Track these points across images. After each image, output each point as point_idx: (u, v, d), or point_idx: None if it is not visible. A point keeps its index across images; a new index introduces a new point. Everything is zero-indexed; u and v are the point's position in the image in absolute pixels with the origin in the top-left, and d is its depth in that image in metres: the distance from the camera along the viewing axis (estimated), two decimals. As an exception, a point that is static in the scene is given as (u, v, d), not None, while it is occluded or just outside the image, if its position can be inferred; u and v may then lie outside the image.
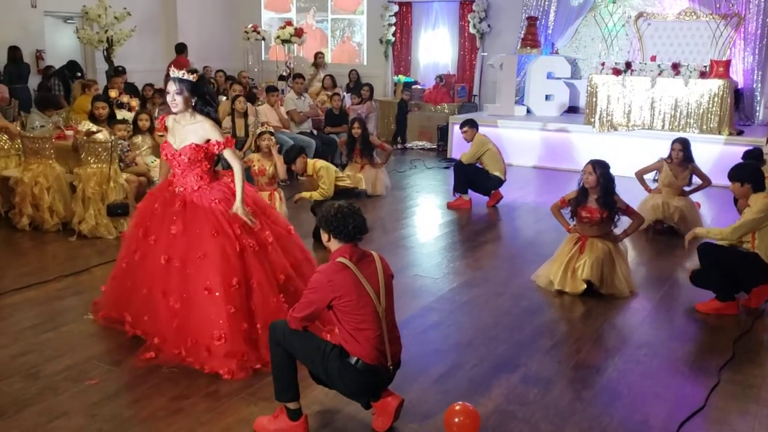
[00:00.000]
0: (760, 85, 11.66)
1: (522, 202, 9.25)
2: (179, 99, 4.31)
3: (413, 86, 14.28)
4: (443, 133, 12.82)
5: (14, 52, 11.50)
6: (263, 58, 16.05)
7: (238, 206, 4.34)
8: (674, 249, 7.16)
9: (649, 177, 8.07)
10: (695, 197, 7.90)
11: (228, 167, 4.60)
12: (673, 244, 7.23)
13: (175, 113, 4.41)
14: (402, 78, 14.58)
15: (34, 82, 11.94)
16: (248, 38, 14.54)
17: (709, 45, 11.74)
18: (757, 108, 11.76)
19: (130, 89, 10.59)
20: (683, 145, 7.50)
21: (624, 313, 5.52)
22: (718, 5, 11.72)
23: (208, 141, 4.37)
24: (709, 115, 10.43)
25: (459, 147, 11.00)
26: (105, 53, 12.72)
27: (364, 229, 3.56)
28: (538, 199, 9.61)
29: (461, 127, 8.92)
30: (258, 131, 7.52)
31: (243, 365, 4.22)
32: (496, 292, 5.87)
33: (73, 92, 11.04)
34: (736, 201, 6.26)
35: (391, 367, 3.59)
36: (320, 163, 7.37)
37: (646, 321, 5.35)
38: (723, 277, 5.40)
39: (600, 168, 5.75)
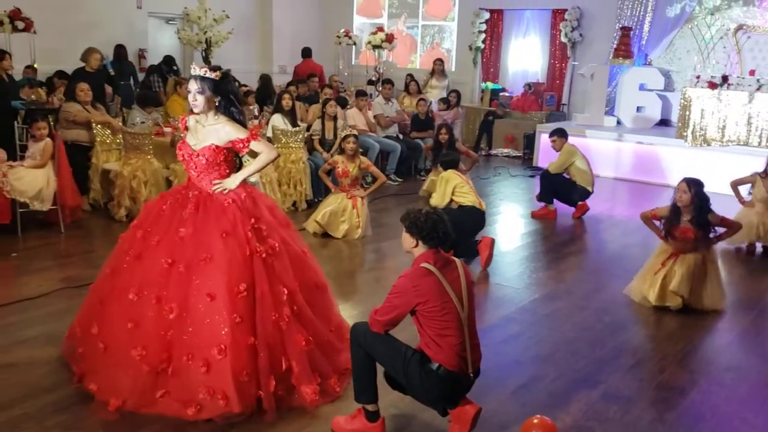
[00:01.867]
0: None
1: (608, 214, 9.09)
2: (201, 98, 4.00)
3: (501, 93, 14.21)
4: (530, 141, 12.72)
5: (120, 50, 12.05)
6: (353, 63, 16.29)
7: (234, 176, 4.08)
8: (766, 268, 6.92)
9: (744, 189, 7.77)
10: None
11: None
12: (764, 267, 6.99)
13: (197, 113, 4.09)
14: (490, 85, 14.53)
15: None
16: (340, 42, 14.79)
17: (813, 60, 11.24)
18: None
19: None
20: None
21: (711, 335, 5.38)
22: (825, 18, 11.21)
23: (230, 142, 4.05)
24: (811, 135, 10.01)
25: (545, 156, 10.90)
26: (203, 54, 13.17)
27: (452, 235, 3.61)
28: (626, 212, 9.41)
29: (550, 136, 8.83)
30: (343, 134, 7.67)
31: (245, 392, 3.78)
32: (579, 306, 5.80)
33: (165, 88, 11.41)
34: None
35: (471, 375, 3.61)
36: (448, 173, 7.09)
37: (735, 343, 5.20)
38: None
39: (695, 186, 5.60)
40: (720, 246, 6.20)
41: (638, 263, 6.91)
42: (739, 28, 11.91)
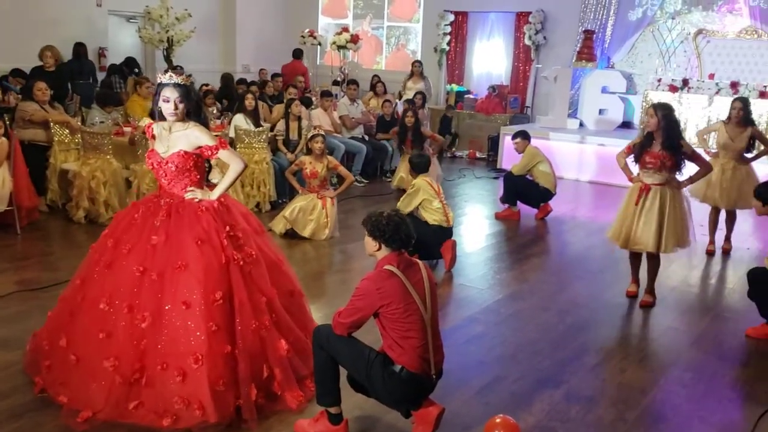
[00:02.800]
0: (822, 108, 11.32)
1: (571, 216, 9.17)
2: (180, 107, 3.91)
3: (465, 95, 14.27)
4: (494, 144, 12.79)
5: (79, 48, 11.82)
6: (318, 63, 16.21)
7: (209, 193, 4.01)
8: (725, 271, 7.04)
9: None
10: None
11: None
12: (724, 267, 7.12)
13: (172, 121, 3.96)
14: (455, 87, 14.58)
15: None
16: (304, 42, 14.71)
17: (770, 65, 11.46)
18: (818, 130, 11.43)
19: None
20: (744, 103, 7.13)
21: (672, 334, 5.44)
22: (781, 24, 11.45)
23: (198, 148, 3.97)
24: (768, 136, 10.20)
25: (509, 158, 10.94)
26: (165, 53, 12.99)
27: (413, 238, 3.59)
28: (588, 213, 9.52)
29: (513, 138, 8.89)
30: (310, 134, 7.61)
31: (222, 401, 3.71)
32: (542, 307, 5.83)
33: (125, 89, 11.30)
34: None
35: (434, 376, 3.60)
36: (420, 182, 6.77)
37: (695, 344, 5.26)
38: None
39: (661, 110, 5.50)
40: (679, 254, 6.24)
41: (600, 264, 7.01)
42: (699, 32, 12.12)
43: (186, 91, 3.95)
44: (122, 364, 3.72)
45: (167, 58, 12.97)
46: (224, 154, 4.02)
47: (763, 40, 11.53)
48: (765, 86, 10.49)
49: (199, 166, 4.05)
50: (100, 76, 12.17)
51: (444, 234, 6.67)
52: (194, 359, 3.66)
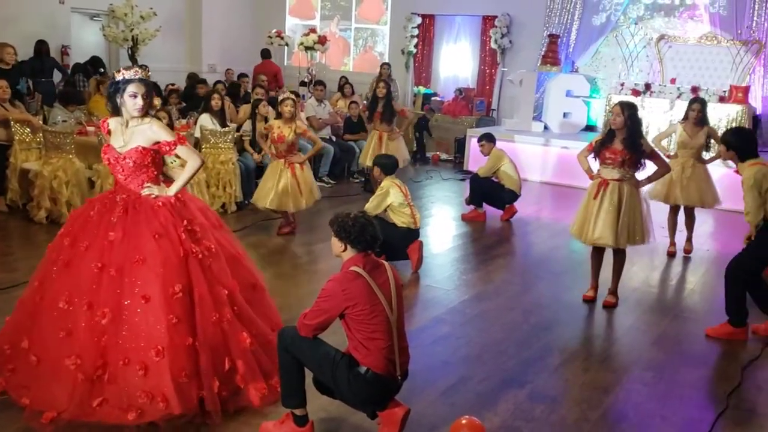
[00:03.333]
0: (779, 112, 11.60)
1: (536, 217, 9.27)
2: (146, 102, 3.93)
3: (432, 98, 14.33)
4: (460, 146, 12.86)
5: (40, 46, 11.60)
6: (285, 64, 16.15)
7: (165, 189, 4.01)
8: (685, 272, 7.18)
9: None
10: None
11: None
12: (685, 268, 7.25)
13: (129, 117, 3.96)
14: (422, 89, 14.63)
15: (58, 77, 12.07)
16: (272, 43, 14.65)
17: (729, 70, 11.67)
18: (775, 134, 11.71)
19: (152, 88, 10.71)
20: (701, 104, 7.34)
21: (633, 335, 5.52)
22: (739, 31, 11.67)
23: (156, 143, 3.98)
24: (728, 140, 10.41)
25: (476, 160, 11.02)
26: (129, 52, 12.84)
27: (379, 239, 3.61)
28: (552, 215, 9.63)
29: (479, 141, 8.96)
30: (281, 97, 7.54)
31: (186, 393, 3.72)
32: (507, 307, 5.88)
33: (88, 88, 11.13)
34: None
35: (399, 378, 3.62)
36: (388, 183, 6.73)
37: (656, 343, 5.35)
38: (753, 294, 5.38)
39: (629, 109, 5.64)
40: (640, 248, 6.35)
41: (564, 265, 7.10)
42: (661, 37, 12.34)
43: (150, 87, 3.98)
44: (84, 361, 3.70)
45: (132, 57, 12.82)
46: (182, 151, 4.03)
47: (723, 46, 11.77)
48: (724, 91, 10.73)
49: (157, 162, 4.05)
50: (60, 75, 11.94)
51: (411, 235, 6.69)
52: (156, 352, 3.67)
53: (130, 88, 3.91)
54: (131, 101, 3.91)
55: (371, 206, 6.65)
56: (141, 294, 3.73)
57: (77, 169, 7.39)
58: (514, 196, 8.76)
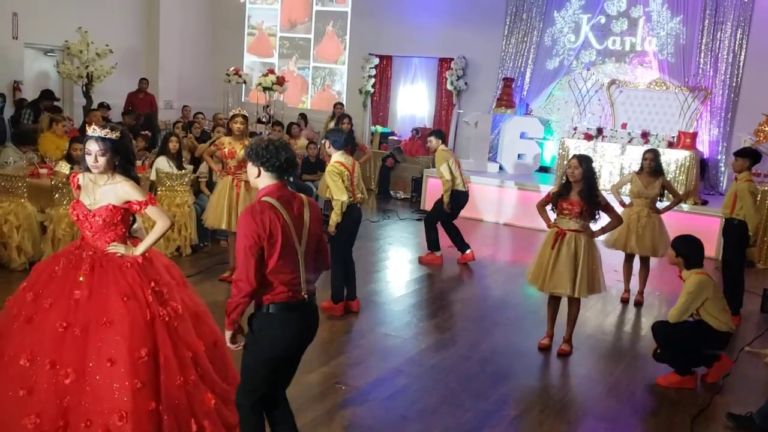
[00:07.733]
0: (724, 156, 11.97)
1: (491, 260, 9.36)
2: (102, 160, 3.87)
3: (390, 137, 14.47)
4: (417, 185, 12.97)
5: (-10, 82, 11.47)
6: (243, 101, 16.16)
7: (132, 248, 3.99)
8: (638, 318, 7.32)
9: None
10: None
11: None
12: (638, 314, 7.40)
13: (95, 174, 3.94)
14: (379, 128, 14.77)
15: (9, 113, 11.89)
16: (229, 81, 14.66)
17: (677, 115, 12.06)
18: (721, 178, 12.08)
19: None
20: (654, 154, 7.61)
21: (587, 384, 5.60)
22: (686, 79, 12.10)
23: (127, 202, 3.97)
24: (676, 184, 10.64)
25: (432, 199, 11.11)
26: (84, 89, 12.71)
27: (295, 164, 3.53)
28: (508, 257, 9.74)
29: (428, 136, 8.99)
30: (231, 114, 7.54)
31: None
32: (463, 356, 5.92)
33: (40, 124, 10.74)
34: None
35: (306, 297, 3.51)
36: (336, 165, 6.42)
37: (609, 393, 5.43)
38: (679, 352, 5.54)
39: (586, 162, 5.85)
40: (594, 295, 6.47)
41: (520, 311, 7.17)
42: (612, 82, 12.70)
43: (112, 145, 3.91)
44: (44, 422, 3.59)
45: (86, 94, 12.70)
46: (152, 211, 4.01)
47: (671, 92, 12.16)
48: (673, 137, 11.06)
49: (126, 220, 4.04)
50: (11, 111, 11.73)
51: (358, 214, 6.69)
52: (119, 417, 3.58)
53: (87, 144, 3.90)
54: (87, 158, 3.90)
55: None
56: (106, 356, 3.65)
57: (29, 213, 7.22)
58: (463, 195, 8.75)
